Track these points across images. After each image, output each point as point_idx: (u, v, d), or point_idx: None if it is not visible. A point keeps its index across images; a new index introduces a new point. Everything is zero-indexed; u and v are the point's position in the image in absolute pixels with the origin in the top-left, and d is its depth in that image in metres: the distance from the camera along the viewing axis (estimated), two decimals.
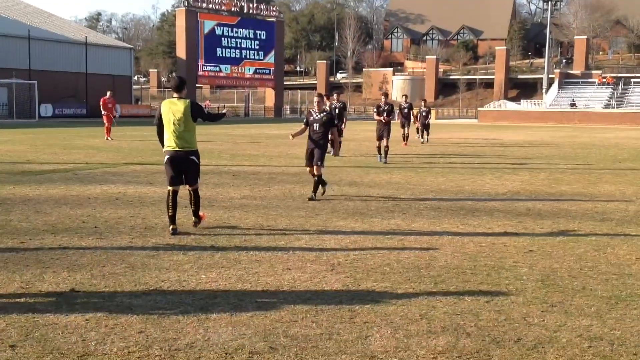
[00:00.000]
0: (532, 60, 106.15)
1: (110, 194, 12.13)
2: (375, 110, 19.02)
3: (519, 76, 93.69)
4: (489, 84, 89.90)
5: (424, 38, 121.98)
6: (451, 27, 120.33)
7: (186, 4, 68.14)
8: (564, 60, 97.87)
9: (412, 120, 26.66)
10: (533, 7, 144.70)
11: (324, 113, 11.73)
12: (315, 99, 11.94)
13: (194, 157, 8.74)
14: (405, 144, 25.70)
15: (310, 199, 11.68)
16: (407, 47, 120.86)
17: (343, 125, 20.93)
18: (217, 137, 30.85)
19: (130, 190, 12.49)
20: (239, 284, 6.36)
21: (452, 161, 19.75)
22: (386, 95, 19.42)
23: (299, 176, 15.30)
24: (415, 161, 19.58)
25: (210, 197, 11.83)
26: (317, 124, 11.60)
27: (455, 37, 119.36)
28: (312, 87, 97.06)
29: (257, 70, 73.84)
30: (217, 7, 69.16)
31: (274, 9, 78.61)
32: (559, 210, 10.87)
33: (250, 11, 72.31)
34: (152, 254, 7.53)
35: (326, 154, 12.03)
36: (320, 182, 11.80)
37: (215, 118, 9.44)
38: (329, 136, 11.85)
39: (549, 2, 69.67)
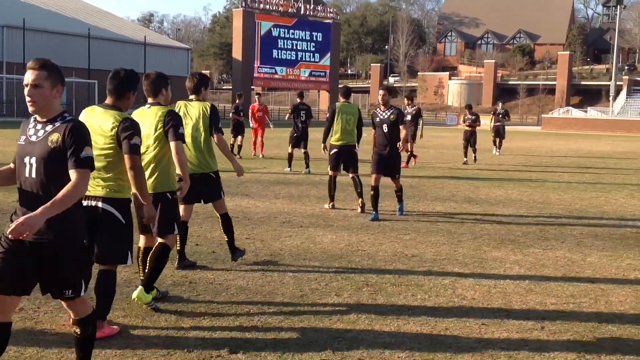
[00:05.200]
0: (592, 67, 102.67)
1: (208, 207, 10.79)
2: (372, 122, 10.74)
3: (582, 82, 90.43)
4: (550, 90, 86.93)
5: (479, 42, 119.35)
6: (507, 31, 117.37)
7: (243, 5, 67.31)
8: (626, 67, 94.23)
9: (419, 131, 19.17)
10: (590, 12, 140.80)
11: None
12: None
13: (356, 150, 10.91)
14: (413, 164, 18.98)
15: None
16: (461, 51, 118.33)
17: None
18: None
19: (229, 204, 11.07)
20: (449, 350, 4.88)
21: (560, 174, 17.98)
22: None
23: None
24: (516, 174, 17.88)
25: (323, 215, 10.42)
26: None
27: (511, 42, 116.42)
28: (365, 91, 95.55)
29: (313, 72, 72.65)
30: (273, 8, 68.19)
31: (331, 10, 77.29)
32: None
33: (307, 12, 71.17)
34: (299, 293, 6.12)
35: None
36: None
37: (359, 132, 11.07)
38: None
39: (617, 7, 66.77)
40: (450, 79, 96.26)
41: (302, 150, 16.87)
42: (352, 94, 11.19)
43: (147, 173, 5.35)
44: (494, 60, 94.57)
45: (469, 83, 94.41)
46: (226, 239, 7.23)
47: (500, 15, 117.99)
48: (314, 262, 7.35)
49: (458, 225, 9.89)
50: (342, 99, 10.98)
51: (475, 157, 20.93)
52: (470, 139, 20.80)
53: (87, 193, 4.74)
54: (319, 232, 9.06)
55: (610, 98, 64.92)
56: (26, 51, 48.47)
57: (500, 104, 26.94)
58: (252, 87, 70.40)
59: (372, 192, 10.26)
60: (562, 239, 9.02)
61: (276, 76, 69.66)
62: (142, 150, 5.22)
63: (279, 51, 68.96)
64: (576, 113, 66.34)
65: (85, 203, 4.66)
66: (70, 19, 56.29)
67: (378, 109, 10.53)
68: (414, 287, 6.45)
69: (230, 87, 76.45)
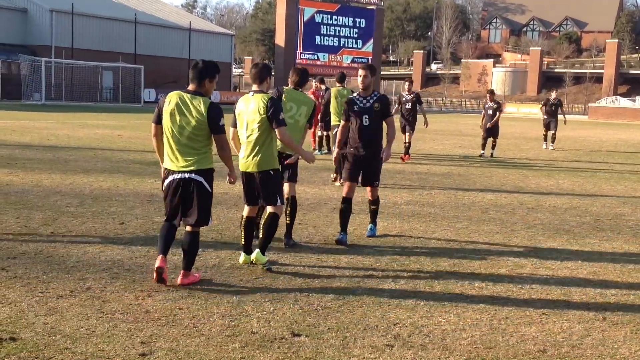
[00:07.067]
0: None
1: None
2: (344, 112, 8.01)
3: (631, 71, 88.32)
4: (597, 79, 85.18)
5: (524, 29, 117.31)
6: (553, 18, 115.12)
7: None
8: None
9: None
10: (639, 0, 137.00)
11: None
12: None
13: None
14: (405, 158, 16.64)
15: None
16: (505, 38, 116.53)
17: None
18: None
19: None
20: (511, 338, 4.87)
21: (611, 165, 17.66)
22: (371, 69, 7.68)
23: (450, 177, 13.76)
24: (566, 163, 17.61)
25: None
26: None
27: (557, 29, 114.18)
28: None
29: (355, 59, 72.26)
30: None
31: None
32: None
33: None
34: (355, 279, 6.16)
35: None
36: None
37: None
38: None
39: None
40: (494, 66, 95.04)
41: (326, 133, 17.31)
42: (346, 78, 13.22)
43: (252, 153, 6.19)
44: (539, 48, 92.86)
45: (513, 70, 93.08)
46: (287, 222, 7.37)
47: (547, 1, 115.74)
48: (367, 249, 7.39)
49: (510, 214, 9.82)
50: (338, 85, 13.01)
51: (492, 152, 18.55)
52: (490, 129, 18.34)
53: (178, 167, 5.54)
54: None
55: None
56: (74, 36, 49.29)
57: (553, 93, 22.88)
58: None
59: (342, 206, 7.70)
60: (617, 230, 8.89)
61: (318, 62, 69.50)
62: (248, 133, 6.18)
63: (322, 37, 68.83)
64: (624, 102, 64.84)
65: (178, 176, 5.55)
66: (117, 4, 57.00)
67: (357, 94, 7.82)
68: (471, 275, 6.44)
69: (273, 73, 76.58)
